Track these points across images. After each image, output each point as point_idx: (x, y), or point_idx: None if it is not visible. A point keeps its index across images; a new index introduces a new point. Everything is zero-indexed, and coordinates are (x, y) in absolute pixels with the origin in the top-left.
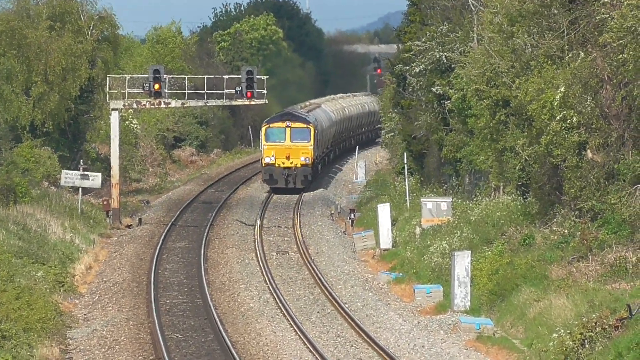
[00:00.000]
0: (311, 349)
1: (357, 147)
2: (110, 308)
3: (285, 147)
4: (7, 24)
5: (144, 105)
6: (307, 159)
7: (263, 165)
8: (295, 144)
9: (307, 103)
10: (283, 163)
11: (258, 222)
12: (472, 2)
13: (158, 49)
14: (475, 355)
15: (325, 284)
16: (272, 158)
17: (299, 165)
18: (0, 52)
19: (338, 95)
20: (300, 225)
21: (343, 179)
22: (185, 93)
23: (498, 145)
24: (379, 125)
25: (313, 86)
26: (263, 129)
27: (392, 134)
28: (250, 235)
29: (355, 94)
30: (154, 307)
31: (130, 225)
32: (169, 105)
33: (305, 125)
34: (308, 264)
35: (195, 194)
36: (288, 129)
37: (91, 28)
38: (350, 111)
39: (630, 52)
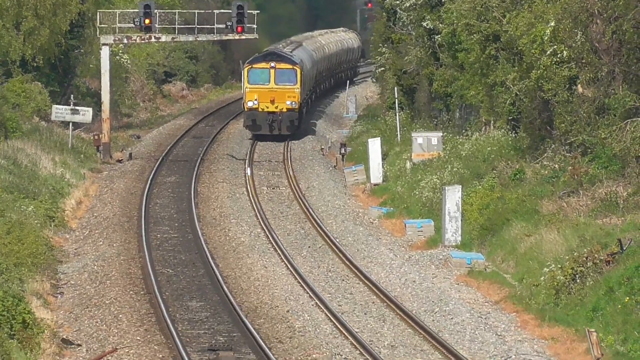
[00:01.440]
0: (302, 283)
1: (348, 81)
2: (101, 243)
3: (270, 89)
4: None
5: (134, 40)
6: (293, 102)
7: (245, 109)
8: (281, 86)
9: (288, 41)
10: (267, 107)
11: (248, 157)
12: None
13: None
14: (467, 290)
15: (316, 218)
16: (256, 102)
17: (284, 109)
18: None
19: (316, 32)
20: (290, 160)
21: (334, 114)
22: (175, 28)
23: (488, 80)
24: (359, 63)
25: (303, 21)
26: (245, 69)
27: (383, 68)
28: (241, 169)
29: (333, 30)
30: (144, 242)
31: (121, 160)
32: (160, 40)
33: (291, 66)
34: (299, 199)
35: (186, 129)
36: (273, 70)
37: None
38: (330, 49)
39: None
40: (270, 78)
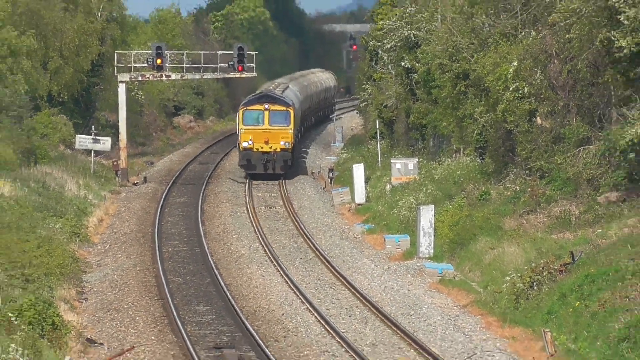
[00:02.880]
0: (295, 290)
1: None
2: (120, 255)
3: (264, 130)
4: (26, 6)
5: (147, 78)
6: (287, 143)
7: (240, 149)
8: (275, 127)
9: (276, 83)
10: (262, 147)
11: (248, 180)
12: None
13: (160, 28)
14: (438, 296)
15: (307, 234)
16: (250, 142)
17: (278, 149)
18: (21, 30)
19: (298, 74)
20: (285, 183)
21: (323, 142)
22: (184, 67)
23: (459, 113)
24: (335, 100)
25: (296, 61)
26: (240, 111)
27: (366, 102)
28: (242, 191)
29: (313, 70)
30: (157, 255)
31: (137, 183)
32: (170, 78)
33: (284, 108)
34: (292, 217)
35: (194, 156)
36: (267, 112)
37: (101, 9)
38: (309, 89)
39: (576, 31)
40: (264, 119)
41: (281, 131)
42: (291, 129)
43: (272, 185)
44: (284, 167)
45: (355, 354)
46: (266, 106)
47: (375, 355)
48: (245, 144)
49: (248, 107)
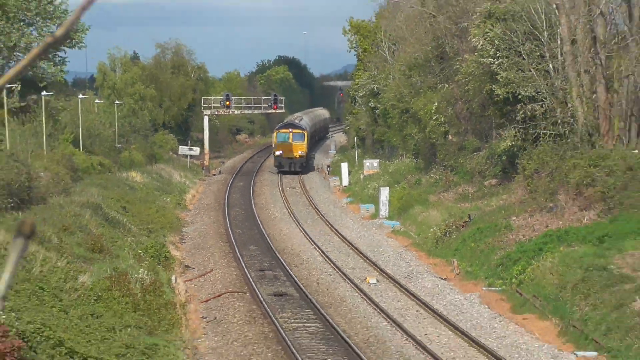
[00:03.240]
0: (307, 237)
1: (331, 133)
2: (204, 216)
3: (289, 145)
4: (149, 71)
5: (220, 112)
6: (303, 152)
7: (275, 156)
8: (295, 143)
9: (295, 115)
10: (287, 155)
11: (279, 175)
12: (389, 59)
13: (228, 83)
14: (391, 240)
15: (314, 204)
16: (281, 152)
17: (297, 157)
18: (146, 85)
19: (308, 110)
20: (301, 176)
21: (324, 150)
22: (242, 106)
23: (402, 133)
24: (330, 126)
25: (307, 103)
26: (274, 133)
27: (348, 127)
28: (276, 180)
29: (316, 108)
30: (226, 216)
31: (215, 174)
32: (234, 112)
33: (301, 131)
34: (305, 194)
35: (247, 159)
36: (290, 133)
37: (193, 73)
38: (314, 119)
39: (471, 85)
40: (289, 138)
41: (299, 145)
42: (305, 144)
43: (293, 177)
44: (301, 167)
45: (341, 273)
46: (290, 130)
47: (354, 273)
48: (277, 153)
49: (279, 130)
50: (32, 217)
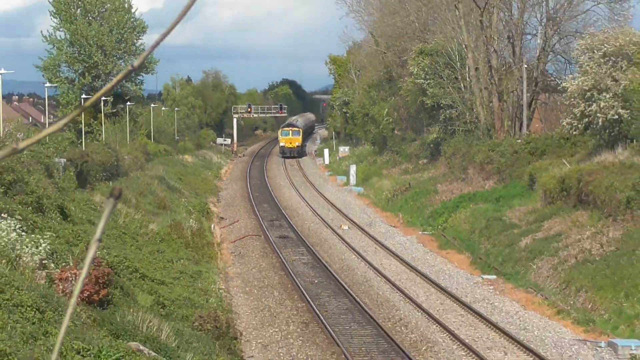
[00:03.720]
0: (302, 198)
1: (317, 129)
2: (233, 185)
3: (289, 138)
4: (198, 89)
5: (245, 115)
6: (299, 144)
7: (280, 146)
8: (294, 137)
9: (293, 118)
10: (288, 145)
11: (283, 159)
12: (355, 80)
13: (249, 96)
14: (357, 201)
15: (306, 176)
16: (284, 144)
17: (295, 147)
18: (195, 97)
19: (301, 114)
20: (298, 159)
21: (312, 141)
22: (259, 111)
23: (365, 128)
24: (317, 124)
25: (301, 110)
26: (279, 130)
27: (329, 125)
28: (281, 161)
29: (307, 113)
30: (248, 184)
31: (241, 157)
32: (254, 116)
33: (298, 129)
34: (300, 170)
35: (262, 146)
36: (290, 130)
37: (226, 90)
38: (306, 120)
39: (409, 97)
40: (290, 133)
41: (297, 139)
42: (300, 137)
43: (293, 160)
44: (297, 153)
45: (324, 222)
46: (290, 128)
47: (333, 222)
48: (282, 144)
49: (283, 129)
50: (120, 185)
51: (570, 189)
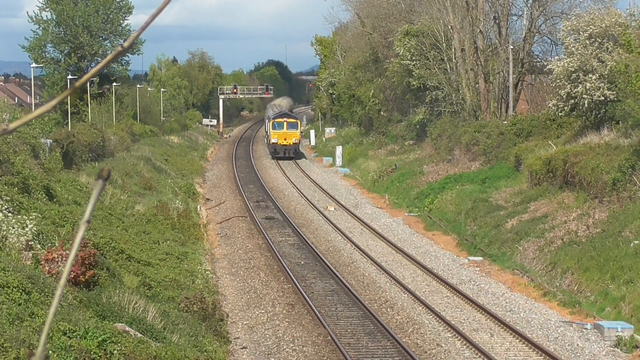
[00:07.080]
0: (287, 179)
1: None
2: (219, 166)
3: (284, 133)
4: (184, 69)
5: (230, 96)
6: (296, 140)
7: (270, 144)
8: (290, 131)
9: (279, 99)
10: (282, 142)
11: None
12: (341, 61)
13: (235, 77)
14: (344, 182)
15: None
16: (276, 139)
17: (291, 144)
18: (181, 78)
19: (282, 97)
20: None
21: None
22: (244, 92)
23: (351, 110)
24: (302, 106)
25: (286, 91)
26: (270, 122)
27: (315, 106)
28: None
29: (287, 97)
30: (234, 165)
31: (226, 137)
32: (239, 96)
33: (295, 120)
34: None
35: (247, 128)
36: (285, 122)
37: (212, 71)
38: (289, 104)
39: (395, 78)
40: (284, 127)
41: (293, 134)
42: (299, 132)
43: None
44: (294, 153)
45: (310, 203)
46: (285, 119)
47: (319, 203)
48: (273, 140)
49: (275, 120)
50: (106, 166)
51: (556, 171)
